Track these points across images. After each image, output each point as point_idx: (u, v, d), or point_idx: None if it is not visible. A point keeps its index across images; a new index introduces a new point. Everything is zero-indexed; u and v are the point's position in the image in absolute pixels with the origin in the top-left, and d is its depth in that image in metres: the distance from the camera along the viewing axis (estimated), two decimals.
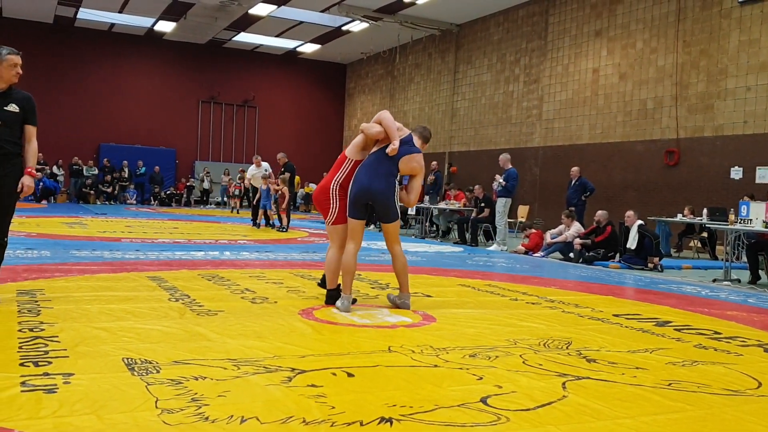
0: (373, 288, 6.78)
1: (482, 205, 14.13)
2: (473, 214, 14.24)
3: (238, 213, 22.60)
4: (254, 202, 16.18)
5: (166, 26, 25.24)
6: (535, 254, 11.98)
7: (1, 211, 4.85)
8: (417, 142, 5.77)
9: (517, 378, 3.63)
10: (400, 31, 23.05)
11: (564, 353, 4.28)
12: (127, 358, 3.63)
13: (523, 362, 3.99)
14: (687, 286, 8.51)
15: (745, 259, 10.06)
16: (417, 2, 20.51)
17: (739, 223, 9.40)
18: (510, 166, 13.14)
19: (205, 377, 3.35)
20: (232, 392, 3.13)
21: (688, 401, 3.34)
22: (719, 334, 5.19)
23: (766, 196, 10.40)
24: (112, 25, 25.63)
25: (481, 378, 3.60)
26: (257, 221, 15.85)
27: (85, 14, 23.83)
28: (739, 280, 9.21)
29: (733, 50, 14.15)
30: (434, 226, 16.36)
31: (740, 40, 14.03)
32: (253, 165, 16.37)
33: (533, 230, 12.83)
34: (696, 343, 4.80)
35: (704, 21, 14.78)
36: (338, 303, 5.45)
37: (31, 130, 4.96)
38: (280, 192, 14.92)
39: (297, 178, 22.90)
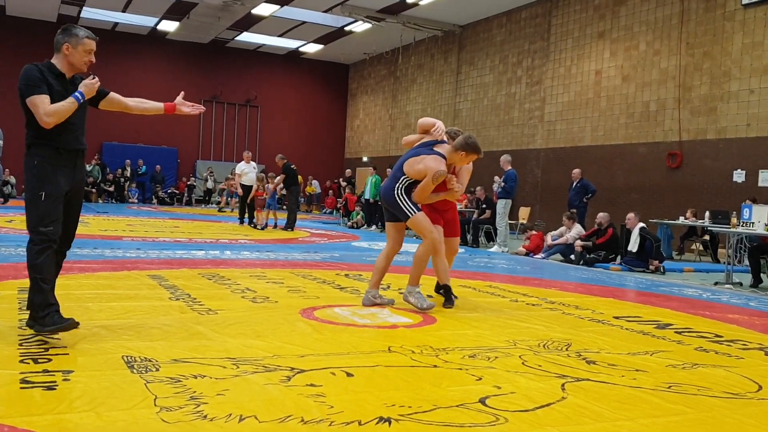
0: None
1: (483, 206, 14.13)
2: (475, 215, 14.24)
3: (231, 211, 22.64)
4: (248, 201, 15.94)
5: (169, 26, 25.26)
6: (536, 256, 11.97)
7: (76, 222, 4.40)
8: (447, 147, 5.71)
9: (517, 379, 3.62)
10: (402, 32, 23.05)
11: (564, 355, 4.27)
12: (127, 356, 3.63)
13: (523, 363, 3.99)
14: (688, 288, 8.49)
15: (747, 262, 10.05)
16: (420, 3, 20.51)
17: (741, 226, 9.39)
18: (509, 168, 13.12)
19: (204, 376, 3.34)
20: (230, 391, 3.13)
21: (688, 404, 3.33)
22: (720, 337, 5.18)
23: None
24: (116, 24, 25.66)
25: (480, 378, 3.59)
26: (243, 219, 15.82)
27: (89, 13, 23.85)
28: (740, 284, 9.20)
29: (737, 53, 14.13)
30: None
31: (743, 43, 14.01)
32: (243, 161, 16.15)
33: (534, 232, 12.82)
34: (697, 345, 4.79)
35: (708, 23, 14.76)
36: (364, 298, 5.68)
37: (117, 95, 4.58)
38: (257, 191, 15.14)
39: (299, 178, 22.89)
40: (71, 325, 3.84)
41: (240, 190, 15.92)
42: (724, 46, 14.39)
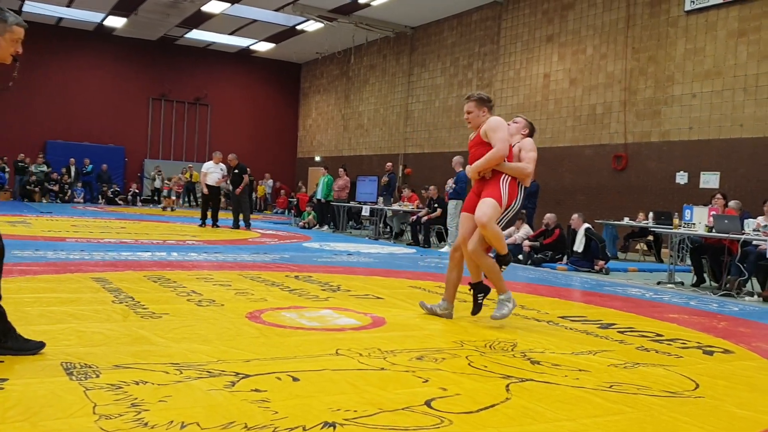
0: (323, 290, 6.75)
1: (435, 205, 14.22)
2: (422, 213, 14.33)
3: (172, 211, 22.47)
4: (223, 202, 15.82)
5: (116, 21, 24.74)
6: None
7: None
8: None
9: (462, 380, 3.65)
10: (354, 32, 23.04)
11: (509, 355, 4.32)
12: (66, 362, 3.53)
13: (469, 364, 4.02)
14: (632, 288, 8.69)
15: (689, 262, 10.34)
16: (371, 3, 20.52)
17: (683, 227, 9.65)
18: (461, 169, 13.23)
19: (146, 382, 3.28)
20: (173, 397, 3.07)
21: (628, 403, 3.40)
22: (661, 336, 5.31)
23: (708, 201, 10.69)
24: (60, 19, 25.01)
25: (426, 380, 3.61)
26: (205, 221, 15.64)
27: (31, 7, 23.18)
28: (682, 283, 9.45)
29: (680, 58, 14.52)
30: (388, 227, 16.39)
31: (686, 48, 14.40)
32: (211, 161, 15.87)
33: None
34: (638, 345, 4.90)
35: (652, 28, 15.13)
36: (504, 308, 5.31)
37: None
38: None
39: (246, 178, 22.68)
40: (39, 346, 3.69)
41: (206, 189, 15.70)
42: (668, 51, 14.77)
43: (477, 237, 5.39)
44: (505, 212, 5.40)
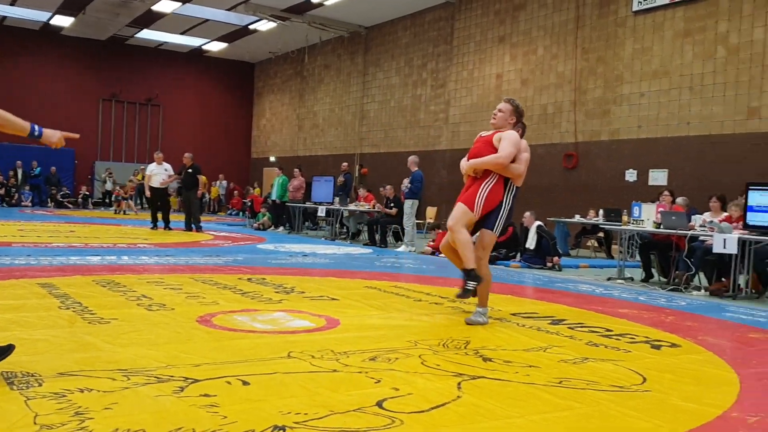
0: (277, 292, 6.69)
1: (392, 205, 14.26)
2: (377, 212, 14.38)
3: (125, 214, 22.17)
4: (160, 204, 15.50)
5: (63, 21, 24.20)
6: (441, 254, 12.13)
7: None
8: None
9: (415, 379, 3.65)
10: (308, 32, 22.96)
11: (462, 353, 4.35)
12: (7, 372, 3.43)
13: (422, 363, 4.03)
14: (583, 284, 8.83)
15: (638, 257, 10.55)
16: (325, 3, 20.47)
17: (632, 223, 9.84)
18: (416, 169, 13.28)
19: (92, 389, 3.20)
20: (119, 404, 3.01)
21: (576, 399, 3.45)
22: (610, 331, 5.40)
23: (657, 198, 10.91)
24: (4, 18, 24.36)
25: (379, 381, 3.60)
26: (156, 223, 15.38)
27: None
28: (632, 278, 9.64)
29: (628, 57, 14.81)
30: (344, 227, 16.36)
31: (634, 48, 14.70)
32: (154, 162, 15.61)
33: (440, 231, 13.02)
34: (588, 340, 4.97)
35: (601, 29, 15.41)
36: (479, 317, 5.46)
37: None
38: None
39: (204, 178, 22.45)
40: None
41: (148, 192, 15.41)
42: (617, 51, 15.06)
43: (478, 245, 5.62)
44: (499, 215, 5.55)
